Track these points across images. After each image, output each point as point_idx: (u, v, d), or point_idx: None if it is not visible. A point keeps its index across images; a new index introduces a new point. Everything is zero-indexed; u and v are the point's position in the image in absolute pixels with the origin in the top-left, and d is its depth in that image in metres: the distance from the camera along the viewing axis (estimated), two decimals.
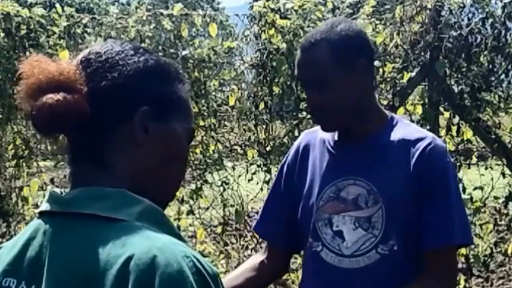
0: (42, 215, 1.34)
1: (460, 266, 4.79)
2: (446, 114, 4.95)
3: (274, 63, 4.79)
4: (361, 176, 2.28)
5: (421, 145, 2.26)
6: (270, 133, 5.00)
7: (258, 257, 2.55)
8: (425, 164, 2.25)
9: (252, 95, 5.09)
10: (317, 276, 2.36)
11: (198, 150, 5.05)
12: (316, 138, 2.42)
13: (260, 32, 4.88)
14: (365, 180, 2.27)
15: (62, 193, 1.34)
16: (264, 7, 4.79)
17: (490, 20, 4.85)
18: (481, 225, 5.03)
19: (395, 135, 2.31)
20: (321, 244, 2.32)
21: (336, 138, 2.36)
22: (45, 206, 1.33)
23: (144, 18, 5.00)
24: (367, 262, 2.26)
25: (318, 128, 2.42)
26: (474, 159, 5.03)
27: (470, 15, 5.00)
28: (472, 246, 4.93)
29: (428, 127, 4.53)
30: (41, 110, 1.27)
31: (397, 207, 2.25)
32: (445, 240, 2.28)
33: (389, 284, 2.27)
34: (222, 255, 5.22)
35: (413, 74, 4.84)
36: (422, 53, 4.83)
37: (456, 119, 4.94)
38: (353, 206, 2.28)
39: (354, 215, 2.28)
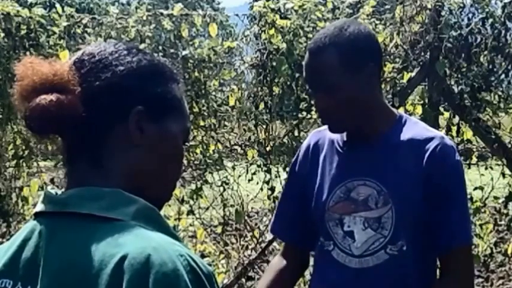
0: (37, 215, 1.34)
1: None
2: (446, 114, 4.95)
3: (274, 63, 4.79)
4: (371, 176, 2.28)
5: (431, 145, 2.25)
6: (270, 133, 5.00)
7: (279, 260, 2.54)
8: (437, 164, 2.24)
9: (252, 95, 5.09)
10: (327, 275, 2.36)
11: (198, 150, 5.05)
12: (325, 137, 2.42)
13: (260, 32, 4.88)
14: (375, 180, 2.27)
15: (57, 193, 1.34)
16: (264, 7, 4.78)
17: (490, 20, 4.85)
18: (481, 225, 5.03)
19: (405, 134, 2.30)
20: (333, 244, 2.33)
21: (345, 138, 2.36)
22: (40, 207, 1.33)
23: (144, 18, 4.99)
24: (375, 262, 2.27)
25: (326, 127, 2.41)
26: (474, 159, 5.03)
27: (470, 15, 5.00)
28: (472, 246, 4.93)
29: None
30: (34, 111, 1.27)
31: (407, 207, 2.25)
32: (463, 240, 2.29)
33: (397, 284, 2.28)
34: (222, 255, 5.22)
35: (413, 74, 4.85)
36: (422, 53, 4.83)
37: (456, 119, 4.94)
38: (363, 207, 2.28)
39: (363, 215, 2.28)
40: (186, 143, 1.45)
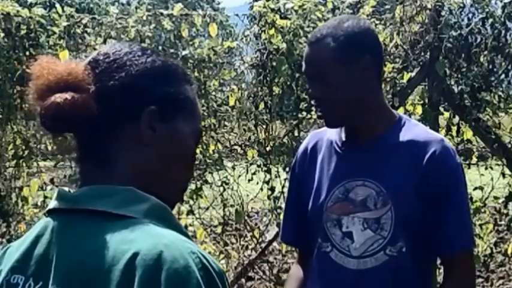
0: (50, 213, 1.35)
1: None
2: (446, 114, 4.95)
3: (274, 63, 4.79)
4: (370, 177, 2.28)
5: (431, 147, 2.25)
6: (270, 133, 5.00)
7: (297, 269, 2.53)
8: (436, 166, 2.24)
9: (252, 95, 5.09)
10: (325, 276, 2.35)
11: (198, 150, 5.05)
12: (323, 138, 2.42)
13: (260, 32, 4.88)
14: (374, 181, 2.27)
15: (70, 191, 1.35)
16: (264, 7, 4.79)
17: (490, 20, 4.85)
18: (481, 225, 5.03)
19: (404, 136, 2.29)
20: (330, 245, 2.32)
21: (344, 138, 2.36)
22: (53, 204, 1.34)
23: (144, 18, 4.99)
24: (374, 263, 2.26)
25: (324, 129, 2.42)
26: (474, 159, 5.03)
27: (470, 15, 5.00)
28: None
29: (428, 127, 4.53)
30: (49, 109, 1.29)
31: (406, 209, 2.25)
32: (462, 244, 2.29)
33: (396, 286, 2.27)
34: (222, 255, 5.22)
35: (413, 74, 4.85)
36: (422, 53, 4.83)
37: (456, 119, 4.94)
38: (362, 207, 2.27)
39: (362, 216, 2.27)
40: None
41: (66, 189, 1.36)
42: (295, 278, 2.52)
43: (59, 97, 1.28)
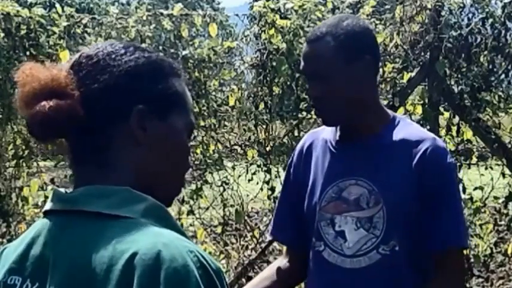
0: (46, 214, 1.34)
1: None
2: (446, 114, 4.95)
3: (274, 63, 4.80)
4: (363, 176, 2.28)
5: (423, 146, 2.26)
6: (270, 133, 5.01)
7: (280, 261, 2.55)
8: (428, 165, 2.24)
9: (252, 95, 5.10)
10: (320, 275, 2.36)
11: (198, 151, 5.06)
12: (319, 138, 2.42)
13: (260, 32, 4.89)
14: (366, 180, 2.27)
15: (66, 192, 1.35)
16: (264, 7, 4.79)
17: (490, 20, 4.85)
18: (481, 225, 5.03)
19: (397, 135, 2.30)
20: (324, 244, 2.33)
21: (338, 137, 2.36)
22: (49, 205, 1.34)
23: (144, 18, 5.00)
24: (368, 262, 2.27)
25: (321, 128, 2.42)
26: (474, 159, 5.03)
27: (470, 15, 5.00)
28: (472, 246, 4.94)
29: (428, 127, 4.53)
30: (35, 117, 1.29)
31: (398, 207, 2.25)
32: (454, 242, 2.29)
33: (390, 285, 2.27)
34: (222, 255, 5.22)
35: (413, 74, 4.85)
36: (422, 53, 4.83)
37: (456, 119, 4.94)
38: (355, 207, 2.28)
39: (355, 215, 2.28)
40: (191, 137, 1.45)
41: (62, 190, 1.35)
42: (270, 267, 2.54)
43: (42, 105, 1.28)
